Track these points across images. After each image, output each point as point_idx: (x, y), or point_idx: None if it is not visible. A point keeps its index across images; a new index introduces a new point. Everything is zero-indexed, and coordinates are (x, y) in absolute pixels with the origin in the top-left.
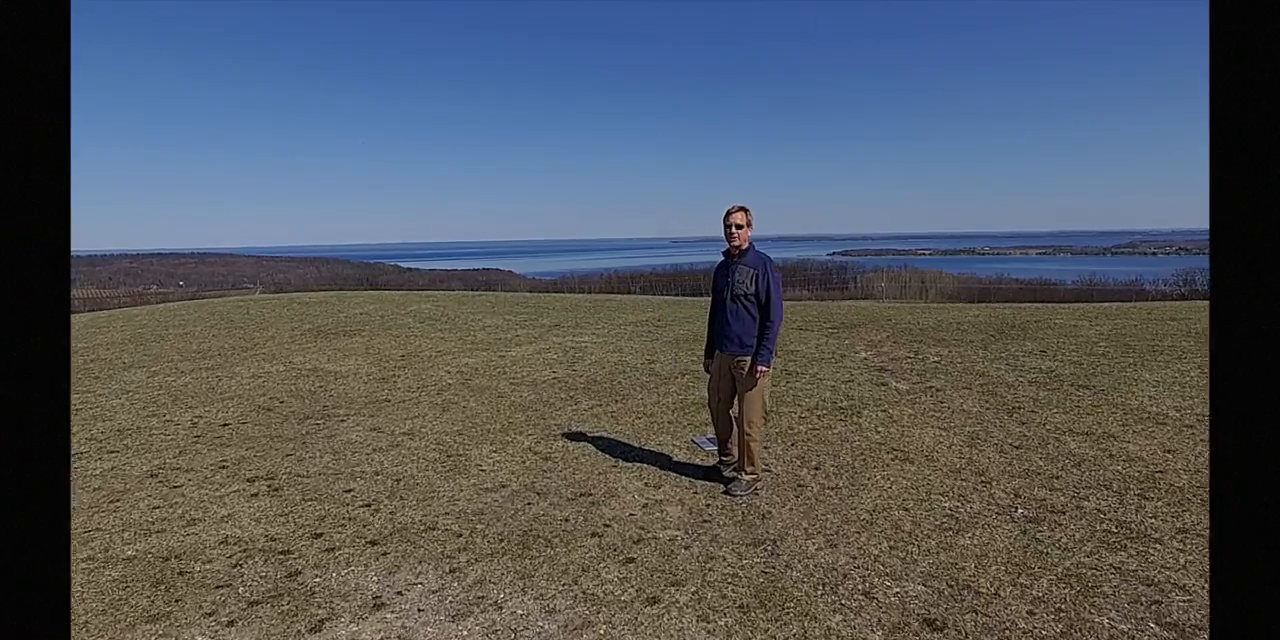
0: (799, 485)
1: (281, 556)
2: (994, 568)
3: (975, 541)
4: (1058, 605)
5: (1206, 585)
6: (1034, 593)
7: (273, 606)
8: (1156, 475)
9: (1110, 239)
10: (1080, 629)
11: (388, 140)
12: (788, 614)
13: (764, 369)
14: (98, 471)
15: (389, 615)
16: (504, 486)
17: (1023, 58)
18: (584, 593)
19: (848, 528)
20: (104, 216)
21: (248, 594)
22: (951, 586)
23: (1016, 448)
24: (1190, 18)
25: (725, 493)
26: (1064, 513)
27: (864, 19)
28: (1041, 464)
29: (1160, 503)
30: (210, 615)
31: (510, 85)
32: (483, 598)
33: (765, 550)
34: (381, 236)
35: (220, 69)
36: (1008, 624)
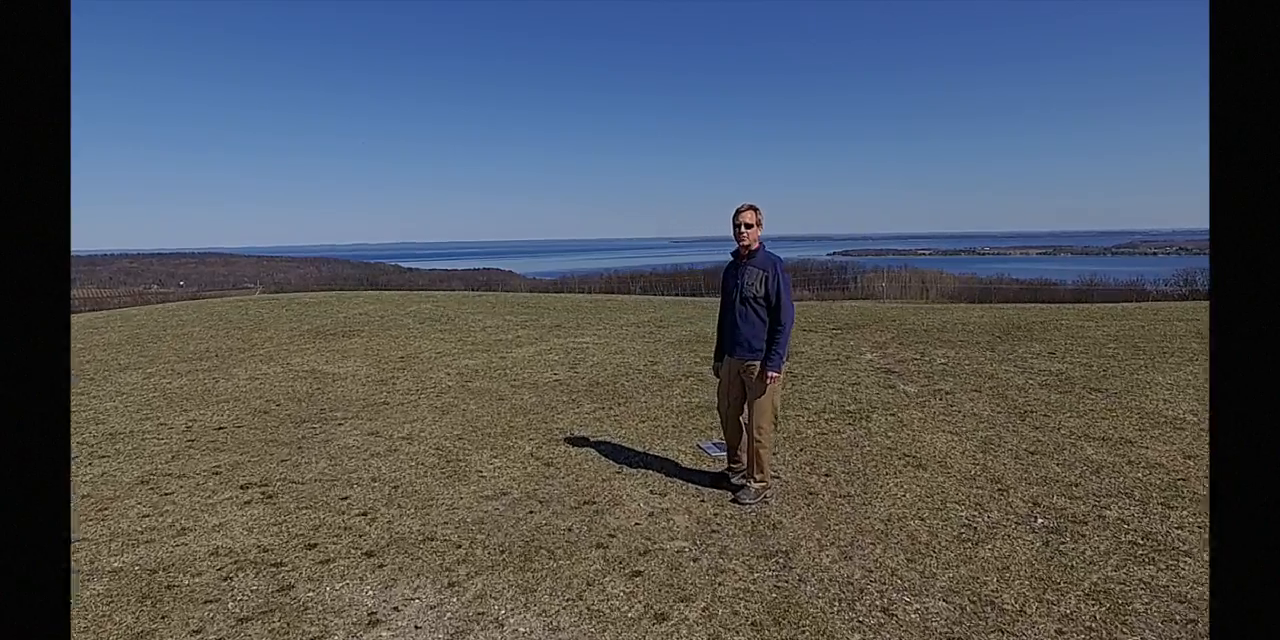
0: (809, 493)
1: (273, 569)
2: (1017, 582)
3: (996, 553)
4: (1087, 624)
5: None
6: (1061, 610)
7: (263, 623)
8: (1179, 483)
9: (1110, 239)
10: None
11: (388, 140)
12: (803, 633)
13: (774, 375)
14: (87, 478)
15: (385, 633)
16: (505, 494)
17: (1023, 58)
18: (589, 609)
19: (862, 538)
20: (104, 216)
21: (237, 609)
22: (974, 603)
23: (1032, 453)
24: (1190, 18)
25: (733, 501)
26: (1085, 523)
27: (864, 19)
28: (1059, 471)
29: (1185, 512)
30: (197, 633)
31: (510, 85)
32: (483, 614)
33: (777, 563)
34: (381, 236)
35: (220, 69)
36: None
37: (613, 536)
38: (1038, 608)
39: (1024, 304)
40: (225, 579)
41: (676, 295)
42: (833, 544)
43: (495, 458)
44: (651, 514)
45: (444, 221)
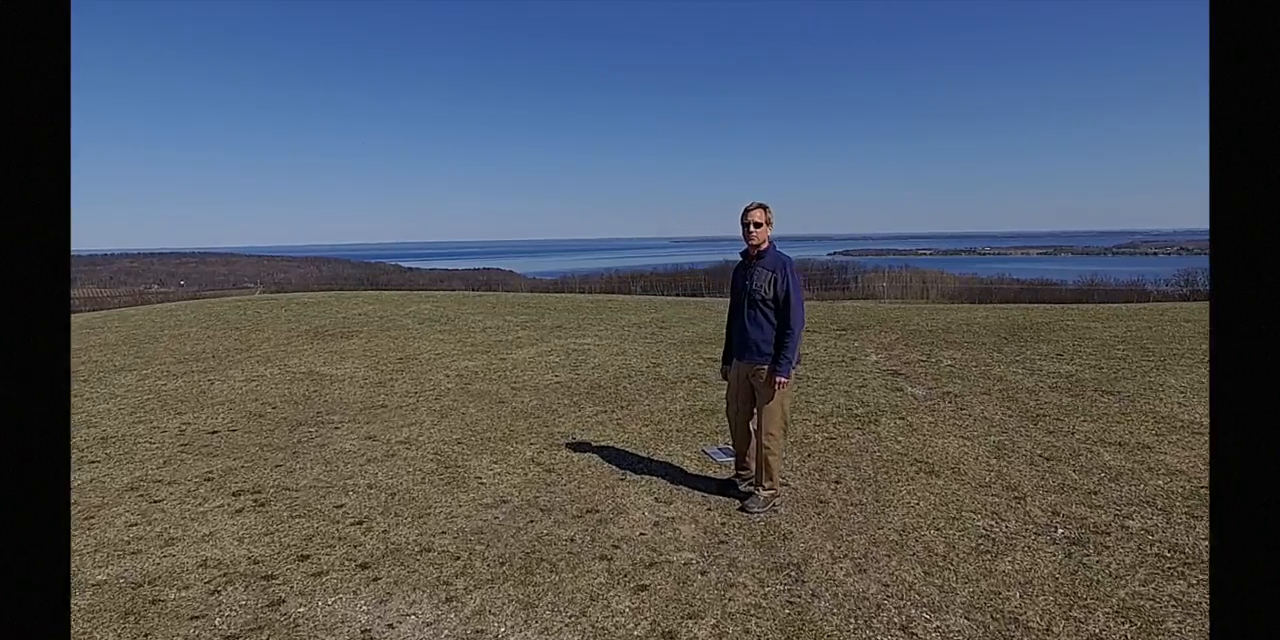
0: (820, 501)
1: (264, 582)
2: (1041, 598)
3: (1017, 566)
4: None
5: None
6: (1090, 629)
7: None
8: (1201, 491)
9: (1111, 239)
10: None
11: (388, 140)
12: None
13: (783, 380)
14: (76, 484)
15: None
16: (505, 502)
17: (1023, 58)
18: (593, 626)
19: (876, 550)
20: (104, 216)
21: (224, 626)
22: (997, 620)
23: (1047, 459)
24: (1190, 18)
25: (741, 509)
26: (1108, 533)
27: (864, 19)
28: (1076, 478)
29: None
30: None
31: (510, 85)
32: (482, 631)
33: (789, 576)
34: (381, 236)
35: (220, 69)
36: None
37: (617, 547)
38: (1065, 625)
39: (1026, 304)
40: (213, 593)
41: (677, 295)
42: (846, 556)
43: (495, 463)
44: (657, 523)
45: (444, 221)
